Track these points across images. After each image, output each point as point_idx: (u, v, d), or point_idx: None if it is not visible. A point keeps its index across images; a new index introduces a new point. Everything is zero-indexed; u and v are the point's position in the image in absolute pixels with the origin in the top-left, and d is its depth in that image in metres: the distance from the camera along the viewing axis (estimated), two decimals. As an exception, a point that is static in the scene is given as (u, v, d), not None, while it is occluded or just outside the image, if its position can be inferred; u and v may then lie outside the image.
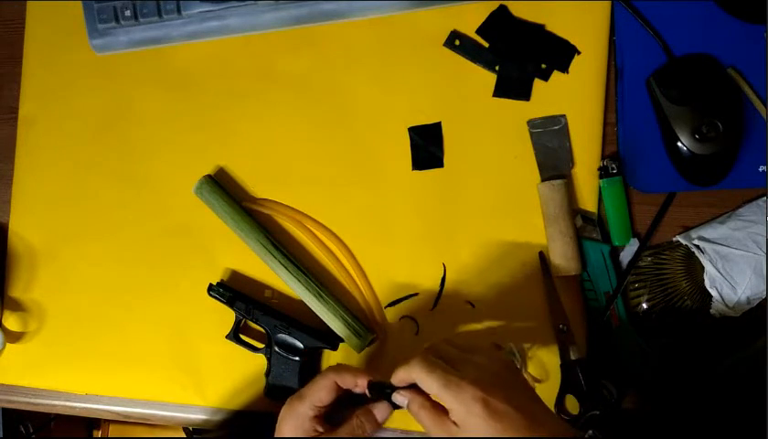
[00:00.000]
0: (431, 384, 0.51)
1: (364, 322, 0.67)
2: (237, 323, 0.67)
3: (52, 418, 1.17)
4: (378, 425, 0.56)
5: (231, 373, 0.68)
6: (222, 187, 0.68)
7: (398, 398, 0.54)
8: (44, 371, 0.71)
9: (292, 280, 0.66)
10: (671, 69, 0.64)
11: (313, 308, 0.66)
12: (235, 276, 0.69)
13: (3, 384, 0.71)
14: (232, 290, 0.67)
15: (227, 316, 0.67)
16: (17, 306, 0.71)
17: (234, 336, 0.67)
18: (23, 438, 1.11)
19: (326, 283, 0.67)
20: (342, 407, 0.57)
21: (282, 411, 0.58)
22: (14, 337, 0.71)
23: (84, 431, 1.25)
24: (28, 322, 0.71)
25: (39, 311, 0.71)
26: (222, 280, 0.69)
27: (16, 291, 0.71)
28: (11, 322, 0.71)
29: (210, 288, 0.67)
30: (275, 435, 0.57)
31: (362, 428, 0.55)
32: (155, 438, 1.27)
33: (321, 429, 0.56)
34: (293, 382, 0.65)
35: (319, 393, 0.56)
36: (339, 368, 0.58)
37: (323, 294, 0.66)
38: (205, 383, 0.69)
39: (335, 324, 0.65)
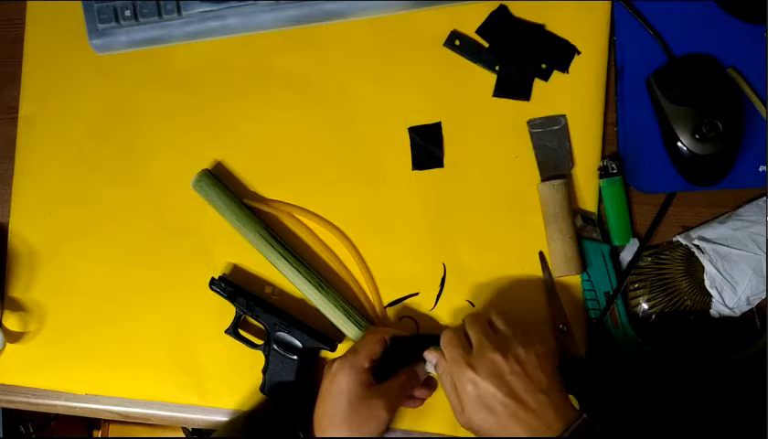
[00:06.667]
0: (447, 355, 0.59)
1: (365, 316, 0.67)
2: (237, 318, 0.67)
3: (52, 418, 1.17)
4: (419, 381, 0.63)
5: (231, 373, 0.68)
6: (221, 182, 0.68)
7: (427, 356, 0.62)
8: (44, 371, 0.71)
9: (292, 271, 0.66)
10: (671, 69, 0.64)
11: (313, 300, 0.66)
12: (235, 273, 0.69)
13: (3, 384, 0.71)
14: (234, 285, 0.67)
15: (226, 316, 0.67)
16: (17, 306, 0.71)
17: (233, 331, 0.67)
18: (23, 438, 1.11)
19: (326, 277, 0.68)
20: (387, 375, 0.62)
21: (334, 367, 0.60)
22: (14, 337, 0.71)
23: (84, 431, 1.25)
24: (28, 322, 0.71)
25: (39, 311, 0.71)
26: (224, 274, 0.69)
27: (16, 291, 0.71)
28: (11, 322, 0.71)
29: (212, 282, 0.67)
30: (327, 388, 0.60)
31: (409, 381, 0.62)
32: (155, 438, 1.27)
33: (374, 380, 0.60)
34: (289, 380, 0.65)
35: (374, 346, 0.61)
36: (381, 327, 0.66)
37: (323, 286, 0.66)
38: (204, 383, 0.69)
39: (335, 315, 0.66)
